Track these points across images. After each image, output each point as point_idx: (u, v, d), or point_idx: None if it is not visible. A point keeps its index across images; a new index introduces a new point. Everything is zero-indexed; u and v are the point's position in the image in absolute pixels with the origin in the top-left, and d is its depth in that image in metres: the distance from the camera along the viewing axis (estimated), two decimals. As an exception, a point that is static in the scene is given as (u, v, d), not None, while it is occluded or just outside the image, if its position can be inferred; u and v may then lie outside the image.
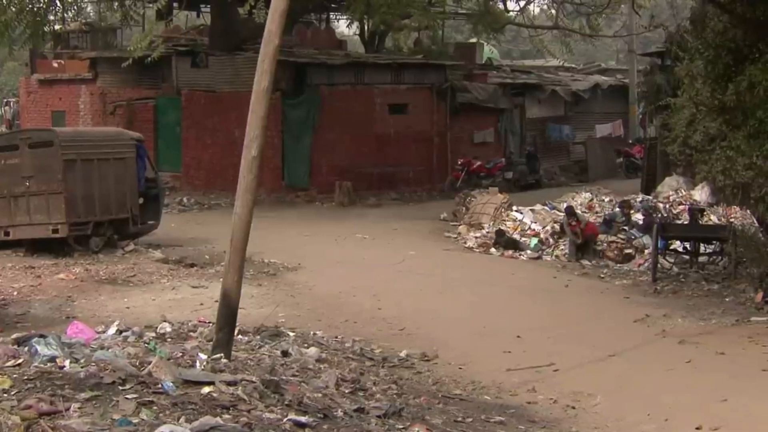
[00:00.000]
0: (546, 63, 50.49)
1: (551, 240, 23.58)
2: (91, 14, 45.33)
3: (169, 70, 35.71)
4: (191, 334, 13.03)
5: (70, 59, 39.42)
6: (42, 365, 9.32)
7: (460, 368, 13.26)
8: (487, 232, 24.68)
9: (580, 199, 26.79)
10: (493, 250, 23.48)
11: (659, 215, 23.46)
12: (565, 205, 24.89)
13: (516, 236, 23.88)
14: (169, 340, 12.53)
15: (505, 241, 23.62)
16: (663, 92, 30.18)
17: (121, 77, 36.75)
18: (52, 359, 9.59)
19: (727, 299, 17.76)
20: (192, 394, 8.69)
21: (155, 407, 8.16)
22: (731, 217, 22.76)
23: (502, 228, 24.46)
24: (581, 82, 45.12)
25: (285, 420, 8.32)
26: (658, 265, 20.09)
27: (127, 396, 8.34)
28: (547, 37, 44.05)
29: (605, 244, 22.57)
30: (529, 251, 23.20)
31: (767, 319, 15.97)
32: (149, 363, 9.45)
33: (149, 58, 30.75)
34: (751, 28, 17.66)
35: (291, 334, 13.77)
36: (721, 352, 13.88)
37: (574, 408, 11.53)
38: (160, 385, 8.75)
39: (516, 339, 14.92)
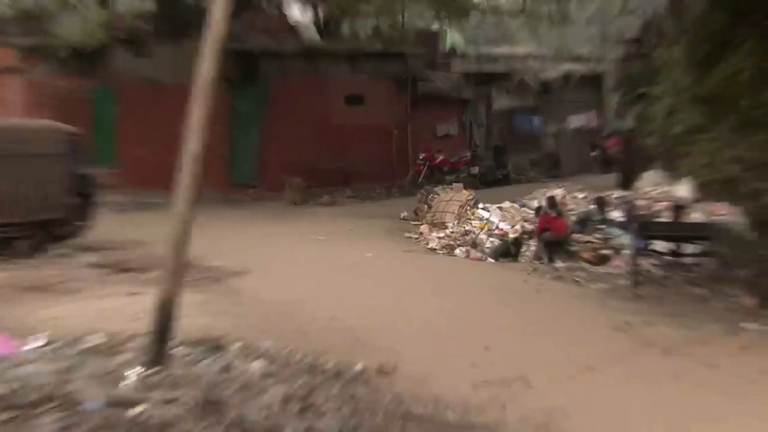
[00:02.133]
0: (513, 50, 50.54)
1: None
2: (25, -1, 44.90)
3: (108, 59, 35.35)
4: (123, 346, 12.72)
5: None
6: (-51, 384, 9.03)
7: (422, 383, 12.97)
8: (452, 232, 24.57)
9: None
10: (457, 251, 23.33)
11: (639, 212, 23.41)
12: (546, 197, 24.79)
13: (483, 236, 23.69)
14: (98, 353, 12.18)
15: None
16: (640, 81, 30.18)
17: (55, 67, 36.31)
18: (-38, 377, 9.31)
19: (714, 305, 17.73)
20: (121, 415, 8.45)
21: (78, 431, 7.94)
22: (717, 214, 22.67)
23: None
24: (552, 70, 45.21)
25: (225, 443, 8.12)
26: (639, 268, 19.98)
27: (47, 418, 8.13)
28: (515, 22, 44.14)
29: (580, 245, 22.45)
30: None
31: (759, 326, 15.90)
32: (74, 380, 9.22)
33: (87, 47, 30.45)
34: (734, 13, 17.62)
35: (235, 346, 13.50)
36: (709, 364, 13.76)
37: (547, 426, 11.27)
38: (85, 405, 8.50)
39: (483, 350, 14.67)
